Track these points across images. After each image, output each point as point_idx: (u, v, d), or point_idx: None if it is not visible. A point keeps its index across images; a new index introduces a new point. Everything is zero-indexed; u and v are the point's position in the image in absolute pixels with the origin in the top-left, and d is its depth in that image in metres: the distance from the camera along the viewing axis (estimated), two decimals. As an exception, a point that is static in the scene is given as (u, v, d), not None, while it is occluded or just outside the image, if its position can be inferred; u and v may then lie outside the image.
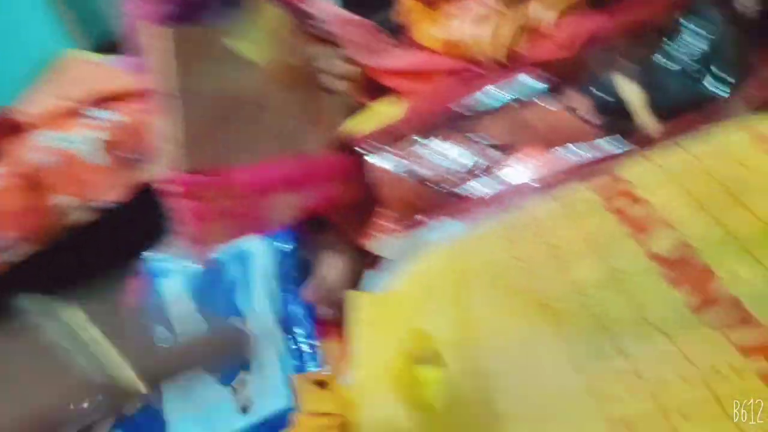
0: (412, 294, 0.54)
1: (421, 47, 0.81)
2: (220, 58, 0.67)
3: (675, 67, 0.61)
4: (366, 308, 0.57)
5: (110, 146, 1.21)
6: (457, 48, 0.72)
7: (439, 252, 0.60)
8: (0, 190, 1.04)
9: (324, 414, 0.51)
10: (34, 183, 1.07)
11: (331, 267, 0.81)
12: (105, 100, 1.32)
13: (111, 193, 1.17)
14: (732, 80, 0.60)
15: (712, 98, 0.60)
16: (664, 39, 0.60)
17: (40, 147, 1.13)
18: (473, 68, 0.72)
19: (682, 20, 0.60)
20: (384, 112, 0.79)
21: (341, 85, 0.74)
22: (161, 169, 0.67)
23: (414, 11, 0.79)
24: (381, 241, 0.76)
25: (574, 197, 0.55)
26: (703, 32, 0.60)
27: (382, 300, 0.57)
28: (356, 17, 0.88)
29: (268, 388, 0.59)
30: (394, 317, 0.53)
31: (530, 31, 0.64)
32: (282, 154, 0.73)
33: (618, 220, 0.50)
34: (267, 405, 0.58)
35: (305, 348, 0.62)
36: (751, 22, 0.61)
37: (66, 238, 1.15)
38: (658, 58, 0.61)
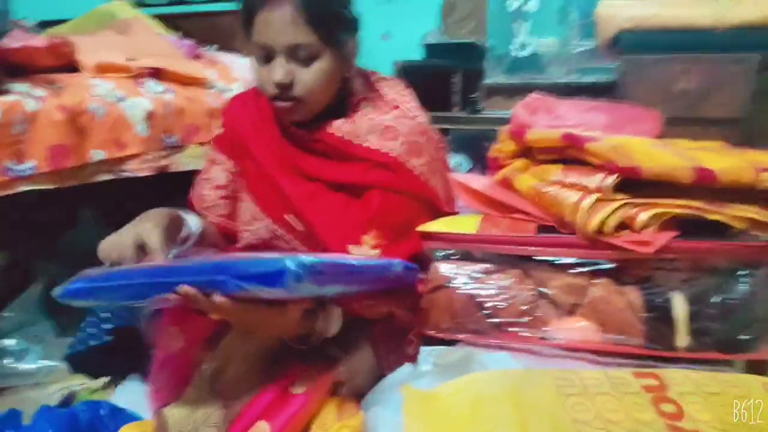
0: (471, 408, 0.59)
1: (508, 185, 0.89)
2: None
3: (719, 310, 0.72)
4: (418, 403, 0.61)
5: (153, 120, 1.21)
6: (548, 204, 0.80)
7: (492, 376, 0.65)
8: (42, 116, 1.01)
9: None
10: (78, 125, 1.05)
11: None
12: (160, 75, 1.32)
13: (141, 168, 1.16)
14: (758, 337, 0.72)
15: (741, 345, 0.72)
16: (724, 284, 0.72)
17: (94, 94, 1.11)
18: (551, 223, 0.80)
19: (741, 275, 0.72)
20: (460, 223, 0.85)
21: None
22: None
23: (517, 166, 0.89)
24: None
25: (624, 383, 0.63)
26: (753, 292, 0.72)
27: (434, 400, 0.62)
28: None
29: None
30: (453, 425, 0.57)
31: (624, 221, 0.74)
32: None
33: (664, 424, 0.58)
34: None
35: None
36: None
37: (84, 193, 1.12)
38: (713, 295, 0.72)
